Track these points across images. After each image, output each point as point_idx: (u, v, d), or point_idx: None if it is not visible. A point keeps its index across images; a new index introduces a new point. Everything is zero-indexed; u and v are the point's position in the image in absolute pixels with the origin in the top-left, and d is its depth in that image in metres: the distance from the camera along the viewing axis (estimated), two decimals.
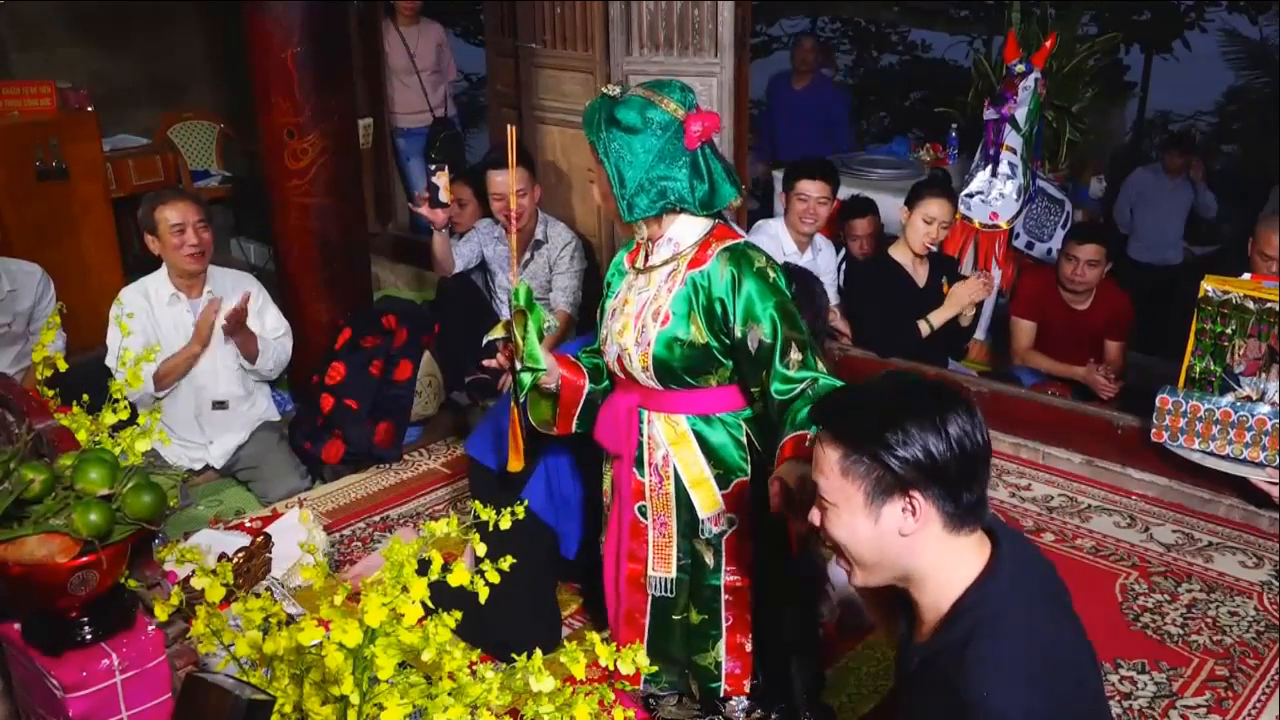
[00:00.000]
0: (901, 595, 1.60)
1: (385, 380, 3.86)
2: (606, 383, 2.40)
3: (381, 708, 1.37)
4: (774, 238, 4.28)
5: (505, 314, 2.27)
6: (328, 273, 3.99)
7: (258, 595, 1.92)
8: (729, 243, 2.19)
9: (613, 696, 1.53)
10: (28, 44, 5.61)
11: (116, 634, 1.54)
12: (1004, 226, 4.63)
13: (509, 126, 2.32)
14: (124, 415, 1.85)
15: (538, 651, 1.53)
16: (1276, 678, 2.79)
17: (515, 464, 2.40)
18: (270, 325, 3.77)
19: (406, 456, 3.95)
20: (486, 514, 1.58)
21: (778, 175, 5.20)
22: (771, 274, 2.16)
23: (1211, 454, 3.40)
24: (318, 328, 3.99)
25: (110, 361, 3.49)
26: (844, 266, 4.65)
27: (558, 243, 4.20)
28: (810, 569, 2.52)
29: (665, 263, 2.22)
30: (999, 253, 4.67)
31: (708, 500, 2.28)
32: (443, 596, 1.47)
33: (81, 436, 1.76)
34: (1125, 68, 9.25)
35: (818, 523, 1.57)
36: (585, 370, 2.38)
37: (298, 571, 3.01)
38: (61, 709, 1.48)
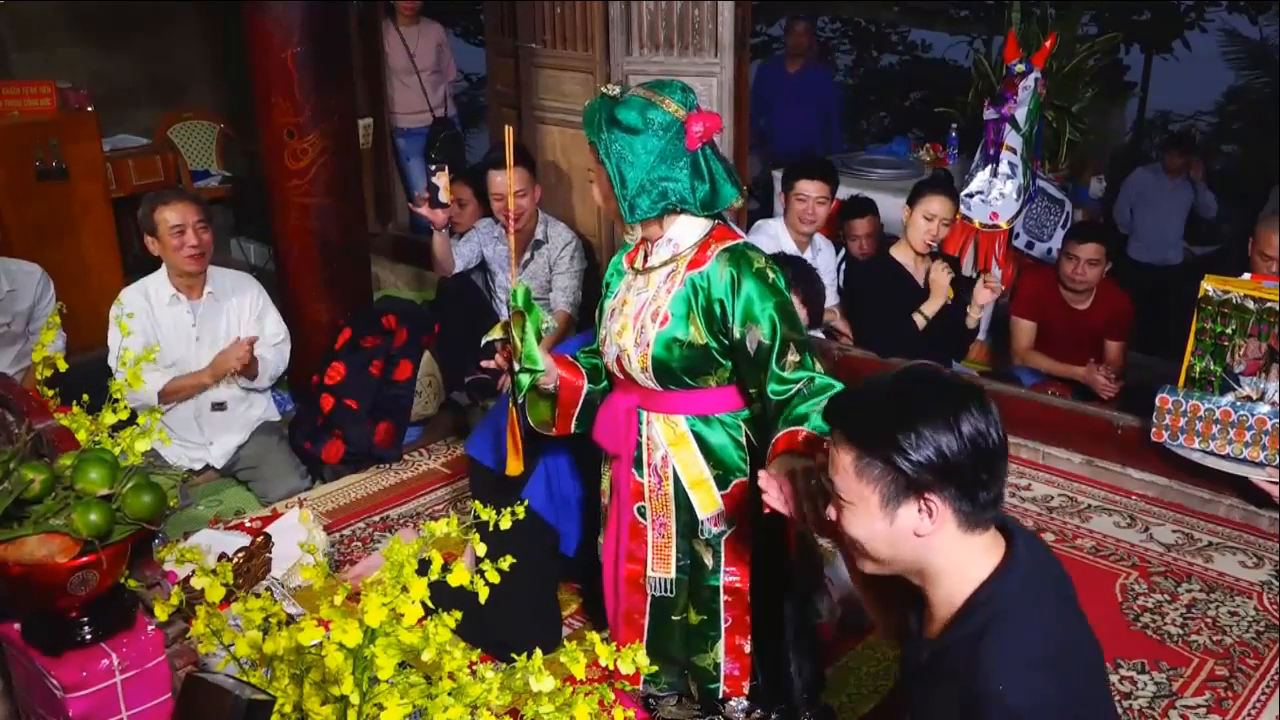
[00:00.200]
0: (908, 591, 1.60)
1: (385, 380, 3.86)
2: (605, 383, 2.40)
3: (381, 708, 1.37)
4: (774, 238, 4.28)
5: (505, 314, 2.27)
6: (328, 273, 3.99)
7: (258, 595, 1.92)
8: (728, 243, 2.19)
9: (613, 696, 1.53)
10: (28, 44, 5.61)
11: (116, 634, 1.53)
12: (1004, 226, 4.63)
13: (506, 127, 2.31)
14: (124, 415, 1.85)
15: (538, 651, 1.53)
16: (1276, 678, 2.79)
17: (515, 467, 2.40)
18: (270, 330, 3.76)
19: (406, 456, 3.95)
20: (486, 514, 1.58)
21: (777, 175, 5.20)
22: (771, 275, 2.16)
23: (1211, 453, 3.40)
24: (318, 328, 3.99)
25: (112, 361, 3.48)
26: (844, 266, 4.65)
27: (558, 243, 4.20)
28: (809, 568, 2.52)
29: (664, 264, 2.22)
30: (999, 252, 4.67)
31: (707, 501, 2.28)
32: (443, 596, 1.47)
33: (81, 436, 1.76)
34: (1125, 68, 9.24)
35: (831, 517, 1.57)
36: (584, 371, 2.38)
37: (298, 571, 3.01)
38: (61, 709, 1.48)
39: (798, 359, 2.12)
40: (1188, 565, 3.28)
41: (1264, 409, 3.28)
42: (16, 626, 1.55)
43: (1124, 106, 9.32)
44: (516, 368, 2.23)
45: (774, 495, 1.84)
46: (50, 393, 1.93)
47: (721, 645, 2.39)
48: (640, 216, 2.16)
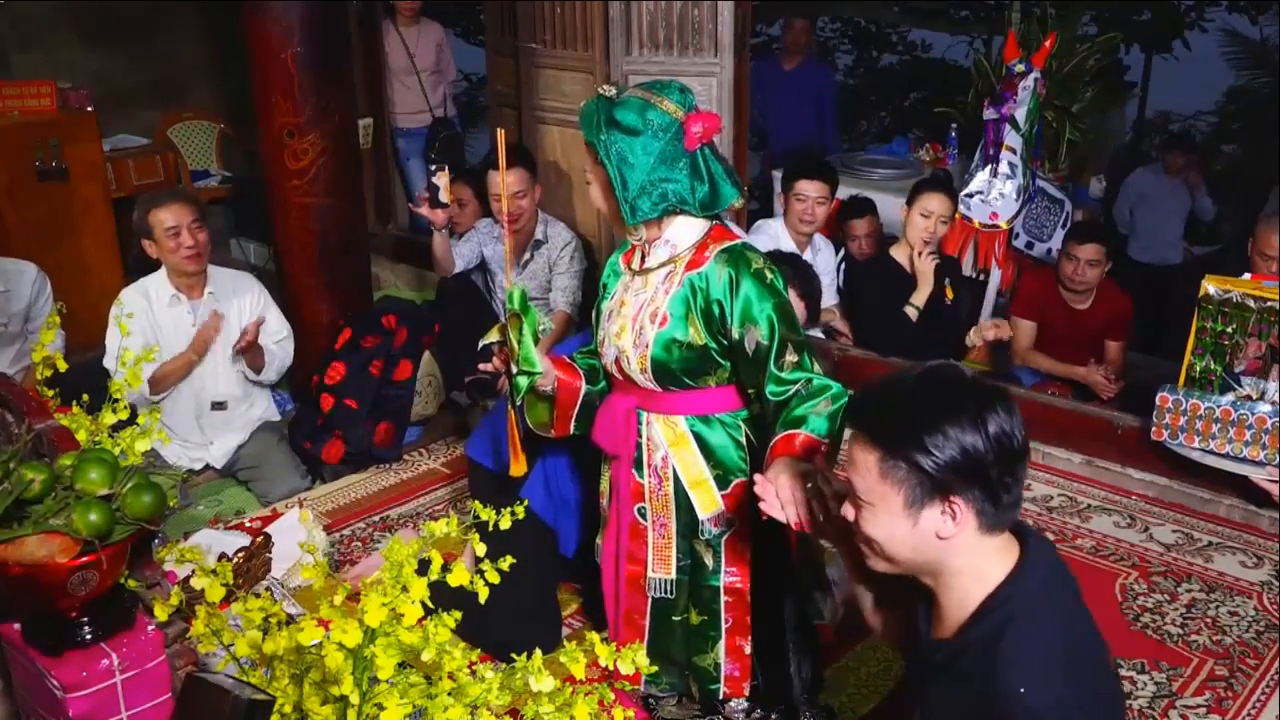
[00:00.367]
0: (914, 592, 1.59)
1: (385, 380, 3.86)
2: (603, 384, 2.40)
3: (381, 708, 1.37)
4: (773, 238, 4.28)
5: (505, 315, 2.27)
6: (328, 273, 3.99)
7: (258, 595, 1.92)
8: (726, 244, 2.19)
9: (612, 696, 1.54)
10: (28, 44, 5.61)
11: (116, 634, 1.53)
12: (1004, 226, 4.62)
13: (498, 130, 2.31)
14: (124, 415, 1.85)
15: (538, 651, 1.53)
16: (1276, 678, 2.79)
17: (517, 468, 2.40)
18: (272, 328, 3.76)
19: (406, 456, 3.95)
20: (486, 514, 1.58)
21: (777, 175, 5.20)
22: (769, 275, 2.16)
23: (1211, 452, 3.40)
24: (318, 328, 3.99)
25: (108, 363, 3.48)
26: (843, 266, 4.66)
27: (558, 243, 4.21)
28: (810, 568, 2.52)
29: (662, 265, 2.22)
30: (999, 253, 4.66)
31: (707, 501, 2.28)
32: (443, 596, 1.47)
33: (81, 436, 1.76)
34: (1125, 68, 9.24)
35: (849, 517, 1.55)
36: (581, 372, 2.38)
37: (298, 571, 3.01)
38: (61, 709, 1.48)
39: (796, 359, 2.12)
40: (1188, 565, 3.28)
41: (1264, 408, 3.28)
42: (16, 626, 1.55)
43: (1124, 106, 9.31)
44: (514, 370, 2.23)
45: (770, 501, 1.84)
46: (50, 393, 1.93)
47: (722, 646, 2.39)
48: (641, 218, 2.15)
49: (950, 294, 4.20)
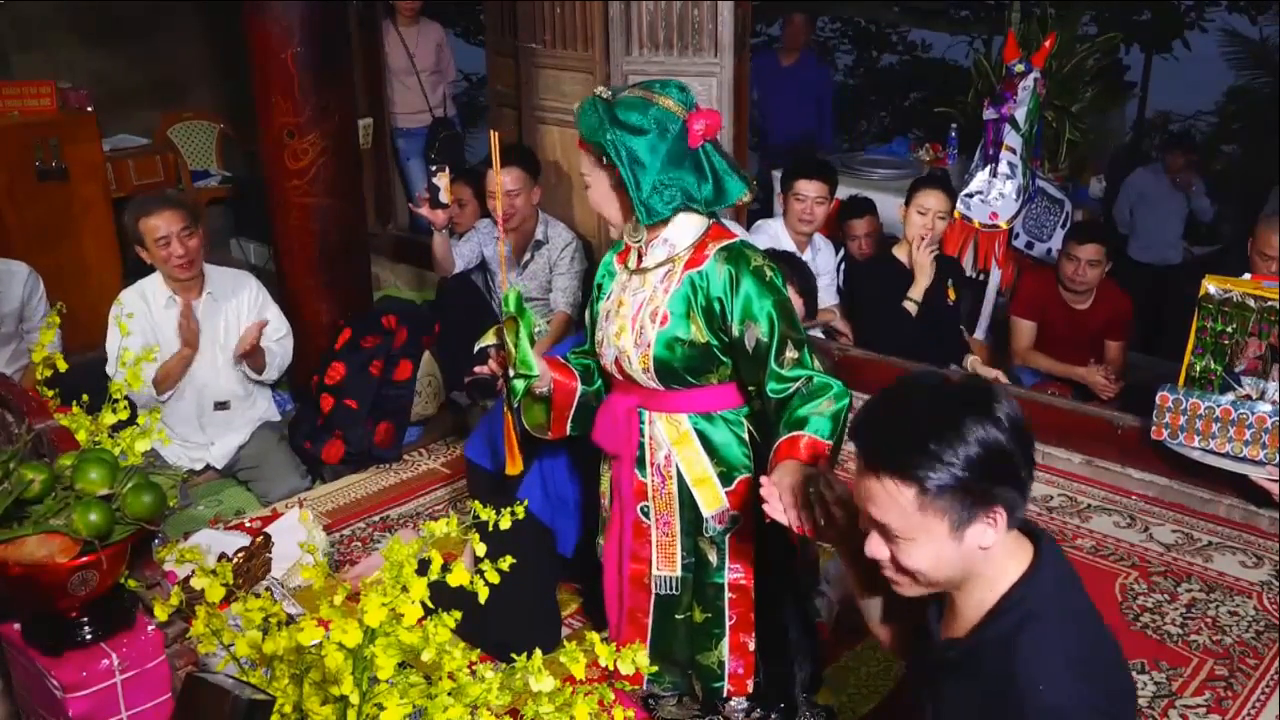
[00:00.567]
0: (929, 596, 1.58)
1: (385, 380, 3.86)
2: (598, 384, 2.40)
3: (381, 708, 1.37)
4: (773, 238, 4.28)
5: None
6: (328, 273, 3.99)
7: (257, 595, 1.92)
8: (725, 242, 2.19)
9: (612, 696, 1.54)
10: (28, 44, 5.61)
11: (116, 634, 1.53)
12: (1004, 226, 4.62)
13: (490, 131, 2.31)
14: (124, 415, 1.85)
15: (537, 651, 1.53)
16: (1276, 678, 2.79)
17: (513, 468, 2.40)
18: (271, 326, 3.76)
19: (406, 456, 3.95)
20: (486, 514, 1.58)
21: (777, 175, 5.20)
22: (768, 272, 2.16)
23: (1211, 452, 3.40)
24: (318, 328, 3.99)
25: (111, 369, 3.48)
26: (843, 266, 4.66)
27: (558, 243, 4.21)
28: (808, 567, 2.53)
29: (660, 264, 2.21)
30: (999, 252, 4.66)
31: (711, 499, 2.28)
32: (442, 596, 1.47)
33: (81, 436, 1.76)
34: (1125, 68, 9.23)
35: (882, 556, 1.49)
36: (576, 372, 2.38)
37: (298, 571, 3.02)
38: (61, 709, 1.48)
39: (796, 356, 2.12)
40: (1187, 565, 3.28)
41: (1264, 408, 3.28)
42: (16, 626, 1.55)
43: (1124, 106, 9.31)
44: (511, 373, 2.23)
45: (774, 504, 1.83)
46: (50, 393, 1.93)
47: (726, 643, 2.39)
48: (656, 218, 2.14)
49: (952, 294, 4.21)
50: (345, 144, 3.94)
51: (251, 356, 3.62)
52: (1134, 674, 2.75)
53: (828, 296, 4.52)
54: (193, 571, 1.60)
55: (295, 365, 3.98)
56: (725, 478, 2.28)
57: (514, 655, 1.53)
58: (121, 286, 3.78)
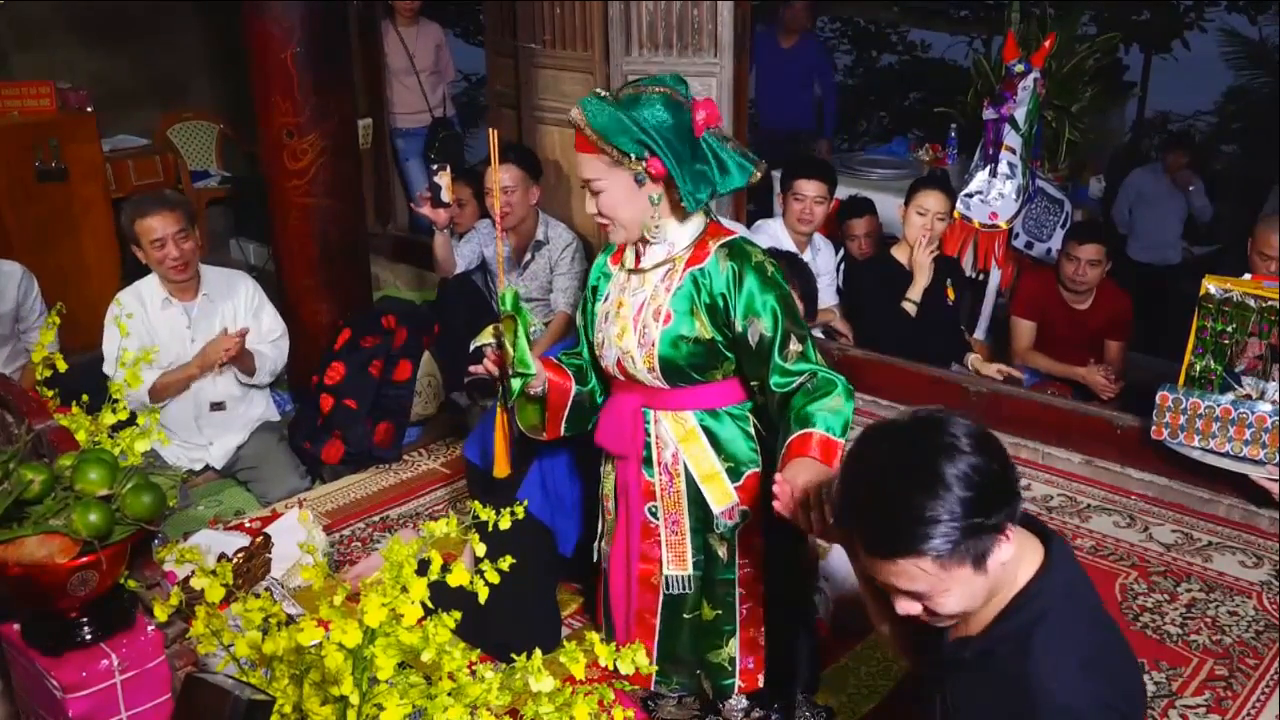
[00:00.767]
0: None
1: (385, 380, 3.86)
2: (592, 384, 2.40)
3: (381, 708, 1.37)
4: (773, 237, 4.28)
5: None
6: (327, 273, 3.99)
7: (257, 596, 1.92)
8: (725, 239, 2.19)
9: (612, 696, 1.54)
10: (28, 44, 5.61)
11: (116, 634, 1.53)
12: (1003, 226, 4.63)
13: (490, 130, 2.30)
14: (123, 416, 1.85)
15: (537, 651, 1.53)
16: (1276, 677, 2.79)
17: (501, 470, 2.39)
18: (267, 326, 3.75)
19: (406, 456, 3.95)
20: (486, 514, 1.58)
21: (776, 175, 5.20)
22: (770, 268, 2.17)
23: (1211, 451, 3.40)
24: (318, 328, 3.99)
25: (108, 369, 3.48)
26: (843, 266, 4.66)
27: (559, 244, 4.21)
28: (806, 565, 2.53)
29: (660, 264, 2.21)
30: (998, 253, 4.67)
31: (720, 495, 2.28)
32: (442, 596, 1.47)
33: (81, 437, 1.76)
34: (1125, 68, 9.23)
35: (916, 611, 1.49)
36: (570, 373, 2.38)
37: (297, 572, 3.02)
38: (61, 709, 1.48)
39: (800, 350, 2.13)
40: (1187, 565, 3.28)
41: (1264, 407, 3.29)
42: (16, 627, 1.55)
43: (1123, 106, 9.31)
44: (509, 372, 2.23)
45: (785, 502, 1.84)
46: (50, 393, 1.93)
47: (737, 639, 2.39)
48: (699, 205, 2.14)
49: (951, 294, 4.21)
50: (345, 144, 3.94)
51: (239, 360, 3.60)
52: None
53: (828, 296, 4.53)
54: (192, 572, 1.60)
55: (295, 365, 3.97)
56: (733, 473, 2.28)
57: (514, 655, 1.54)
58: (121, 287, 3.78)
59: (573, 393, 2.36)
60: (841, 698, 2.70)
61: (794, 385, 2.11)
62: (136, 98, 5.99)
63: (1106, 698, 1.43)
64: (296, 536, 3.03)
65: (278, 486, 3.65)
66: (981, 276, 4.74)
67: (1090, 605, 1.54)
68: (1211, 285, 3.39)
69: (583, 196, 2.23)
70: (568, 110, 2.19)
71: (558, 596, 2.95)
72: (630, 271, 2.26)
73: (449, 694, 1.46)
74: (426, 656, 1.43)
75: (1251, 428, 3.30)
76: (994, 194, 4.57)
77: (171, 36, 6.13)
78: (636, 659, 1.52)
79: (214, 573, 1.57)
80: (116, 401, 1.86)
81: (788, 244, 4.28)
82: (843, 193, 4.83)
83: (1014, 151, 4.54)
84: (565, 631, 2.93)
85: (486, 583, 1.47)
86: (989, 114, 4.57)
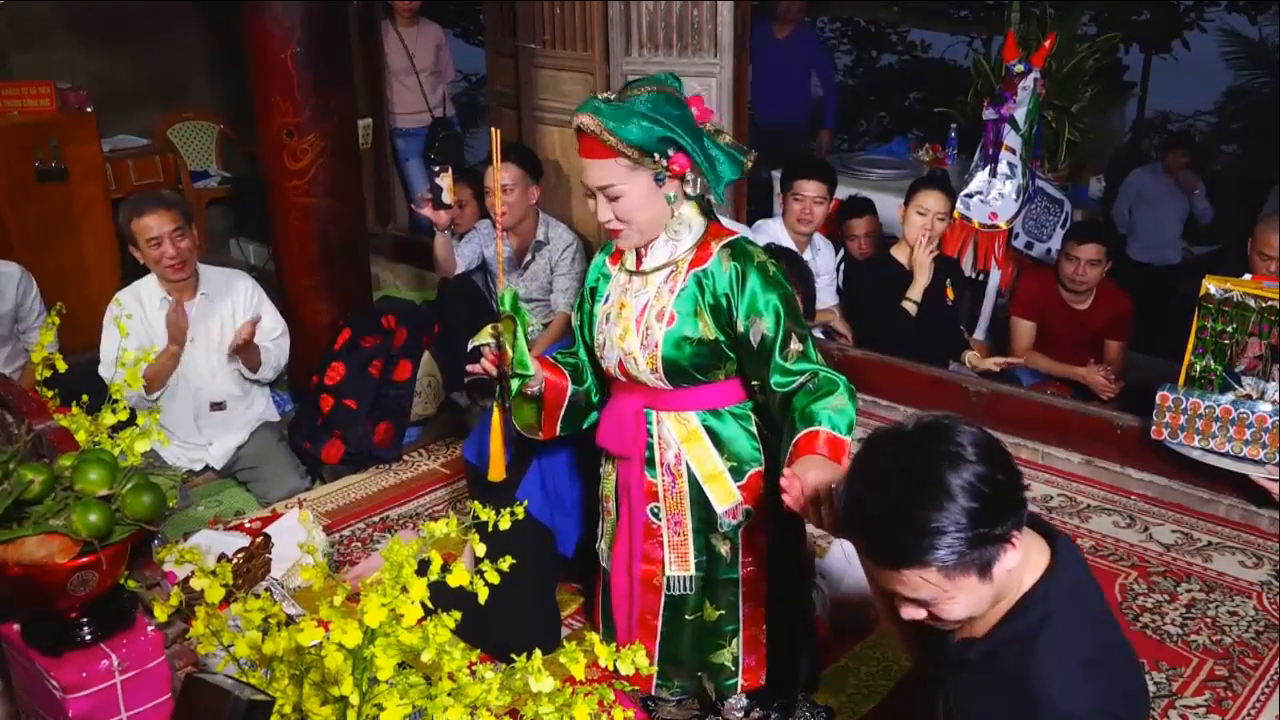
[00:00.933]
0: None
1: (385, 380, 3.86)
2: (588, 383, 2.40)
3: (381, 708, 1.37)
4: (773, 237, 4.29)
5: None
6: (327, 273, 3.99)
7: (257, 596, 1.92)
8: (727, 239, 2.20)
9: (612, 696, 1.54)
10: (28, 44, 5.61)
11: (116, 634, 1.53)
12: (1003, 226, 4.63)
13: (492, 129, 2.30)
14: (123, 416, 1.85)
15: (537, 652, 1.53)
16: (1276, 678, 2.79)
17: (496, 473, 2.38)
18: (267, 325, 3.75)
19: (406, 457, 3.95)
20: (486, 514, 1.58)
21: (776, 175, 5.21)
22: (771, 267, 2.18)
23: (1211, 451, 3.40)
24: (317, 328, 3.99)
25: (103, 371, 3.47)
26: (843, 266, 4.66)
27: (559, 244, 4.21)
28: (805, 563, 2.53)
29: (661, 266, 2.22)
30: (998, 253, 4.67)
31: (723, 494, 2.28)
32: (442, 597, 1.47)
33: (81, 437, 1.76)
34: (1125, 68, 9.24)
35: (919, 616, 1.49)
36: (566, 372, 2.38)
37: (297, 572, 3.02)
38: (61, 710, 1.48)
39: (800, 349, 2.13)
40: (1187, 565, 3.28)
41: (1264, 407, 3.29)
42: (16, 627, 1.55)
43: (1123, 106, 9.31)
44: (508, 372, 2.23)
45: (795, 496, 1.84)
46: (49, 393, 1.93)
47: (740, 639, 2.39)
48: (722, 195, 2.19)
49: (950, 294, 4.21)
50: (345, 144, 3.94)
51: (245, 352, 3.60)
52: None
53: (827, 297, 4.53)
54: (192, 572, 1.60)
55: (295, 365, 3.97)
56: (736, 472, 2.28)
57: (514, 655, 1.54)
58: (120, 287, 3.78)
59: (569, 392, 2.36)
60: (841, 698, 2.70)
61: (795, 385, 2.11)
62: (136, 98, 6.00)
63: (1108, 703, 1.43)
64: (296, 537, 3.02)
65: (278, 487, 3.65)
66: (981, 277, 4.74)
67: (1095, 608, 1.54)
68: (1212, 285, 3.39)
69: (582, 196, 2.23)
70: (568, 110, 2.19)
71: (558, 596, 2.95)
72: (631, 273, 2.26)
73: (449, 694, 1.46)
74: (426, 657, 1.43)
75: (1251, 428, 3.30)
76: (994, 194, 4.57)
77: (171, 36, 6.13)
78: (636, 660, 1.52)
79: (214, 573, 1.57)
80: (116, 402, 1.86)
81: (788, 243, 4.28)
82: (843, 193, 4.84)
83: (1014, 152, 4.54)
84: (565, 631, 2.93)
85: (486, 583, 1.47)
86: (989, 114, 4.57)
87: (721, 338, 2.18)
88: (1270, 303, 3.29)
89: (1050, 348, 4.29)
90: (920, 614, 1.49)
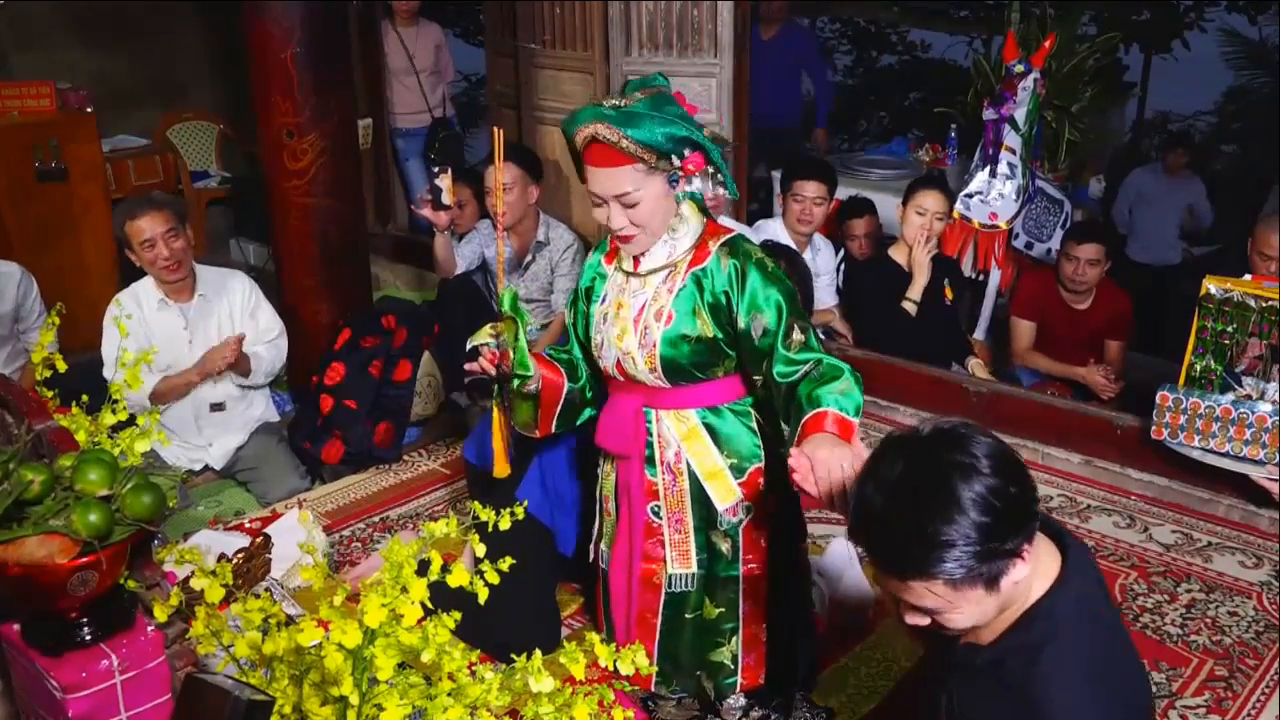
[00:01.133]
0: None
1: (385, 380, 3.86)
2: (583, 380, 2.41)
3: (381, 708, 1.37)
4: (773, 237, 4.28)
5: None
6: (327, 273, 3.99)
7: (257, 596, 1.92)
8: (724, 238, 2.21)
9: (612, 696, 1.54)
10: (28, 44, 5.61)
11: (116, 635, 1.53)
12: (1003, 227, 4.63)
13: (494, 129, 2.30)
14: (123, 416, 1.85)
15: (537, 652, 1.53)
16: (1276, 678, 2.79)
17: (501, 469, 2.39)
18: (264, 325, 3.74)
19: (406, 457, 3.95)
20: (486, 514, 1.58)
21: (776, 175, 5.21)
22: (769, 263, 2.19)
23: (1211, 451, 3.40)
24: (317, 328, 3.99)
25: (108, 373, 3.47)
26: (843, 266, 4.66)
27: (559, 245, 4.21)
28: (804, 562, 2.53)
29: (659, 267, 2.22)
30: (998, 253, 4.67)
31: (724, 492, 2.28)
32: (442, 597, 1.47)
33: (81, 437, 1.76)
34: (1125, 68, 9.24)
35: (923, 623, 1.48)
36: (562, 369, 2.38)
37: (297, 572, 3.01)
38: (61, 710, 1.48)
39: (803, 339, 2.13)
40: (1187, 565, 3.28)
41: (1264, 407, 3.29)
42: (16, 627, 1.55)
43: (1123, 106, 9.31)
44: (508, 371, 2.23)
45: (804, 474, 1.83)
46: (49, 393, 1.93)
47: (740, 637, 2.39)
48: (734, 188, 2.22)
49: (950, 294, 4.21)
50: (345, 144, 3.94)
51: (234, 364, 3.60)
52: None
53: (827, 297, 4.53)
54: (192, 572, 1.60)
55: (295, 365, 3.97)
56: (737, 469, 2.28)
57: (514, 655, 1.54)
58: (120, 288, 3.77)
59: (565, 389, 2.36)
60: (841, 698, 2.70)
61: (799, 374, 2.10)
62: (136, 98, 6.00)
63: (1114, 717, 1.43)
64: (296, 537, 3.02)
65: (277, 487, 3.65)
66: (981, 277, 4.74)
67: (1103, 618, 1.52)
68: (1212, 285, 3.39)
69: (582, 196, 2.23)
70: (568, 110, 2.19)
71: (558, 596, 2.95)
72: (629, 274, 2.26)
73: (449, 694, 1.46)
74: (426, 657, 1.43)
75: (1251, 428, 3.30)
76: (994, 194, 4.58)
77: (171, 36, 6.13)
78: (636, 659, 1.52)
79: (214, 573, 1.57)
80: (116, 402, 1.86)
81: (788, 243, 4.28)
82: (842, 193, 4.84)
83: (1014, 152, 4.55)
84: (565, 631, 2.93)
85: (486, 583, 1.47)
86: (989, 114, 4.58)
87: (720, 335, 2.18)
88: (1270, 303, 3.29)
89: (1050, 348, 4.29)
90: (924, 621, 1.47)
